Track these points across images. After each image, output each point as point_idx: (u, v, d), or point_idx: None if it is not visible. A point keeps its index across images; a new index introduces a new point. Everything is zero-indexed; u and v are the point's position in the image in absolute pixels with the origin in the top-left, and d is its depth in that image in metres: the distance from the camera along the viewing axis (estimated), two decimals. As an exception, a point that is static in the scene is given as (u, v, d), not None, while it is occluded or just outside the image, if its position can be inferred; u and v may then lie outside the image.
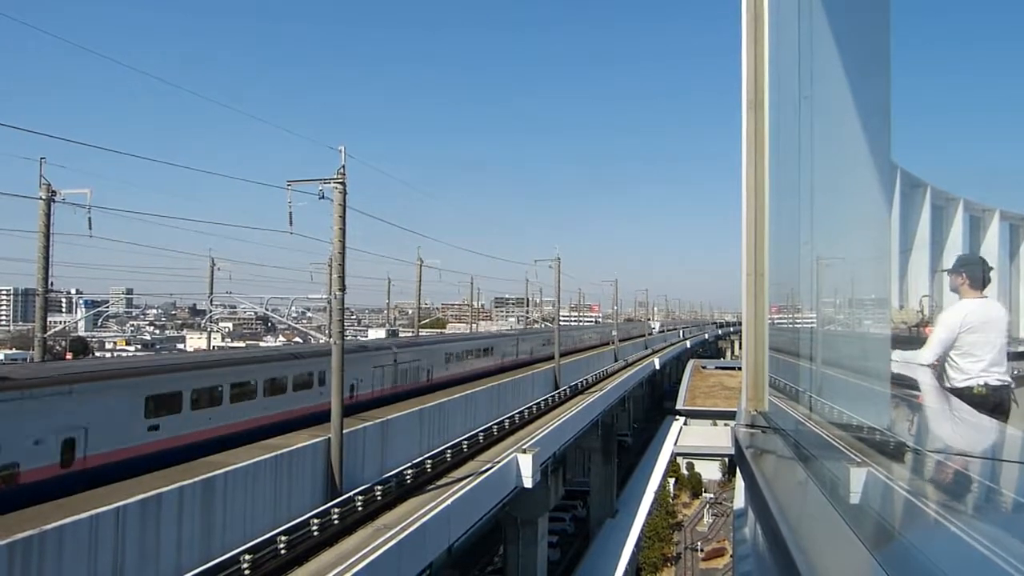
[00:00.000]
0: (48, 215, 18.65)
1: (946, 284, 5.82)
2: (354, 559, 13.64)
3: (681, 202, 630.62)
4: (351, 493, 16.16)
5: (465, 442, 23.14)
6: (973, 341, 5.28)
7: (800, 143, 3.84)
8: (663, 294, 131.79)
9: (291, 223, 17.16)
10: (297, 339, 73.45)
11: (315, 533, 14.33)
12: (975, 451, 3.71)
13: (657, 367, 73.86)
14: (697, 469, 69.62)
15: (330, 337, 17.38)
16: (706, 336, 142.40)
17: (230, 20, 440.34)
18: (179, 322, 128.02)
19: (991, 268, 5.77)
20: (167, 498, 11.88)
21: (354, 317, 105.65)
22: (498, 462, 22.61)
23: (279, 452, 15.05)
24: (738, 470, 6.01)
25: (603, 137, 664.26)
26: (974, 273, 5.50)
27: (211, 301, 33.05)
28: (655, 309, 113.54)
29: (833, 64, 3.22)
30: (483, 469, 21.61)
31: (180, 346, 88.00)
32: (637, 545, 45.88)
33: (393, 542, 14.56)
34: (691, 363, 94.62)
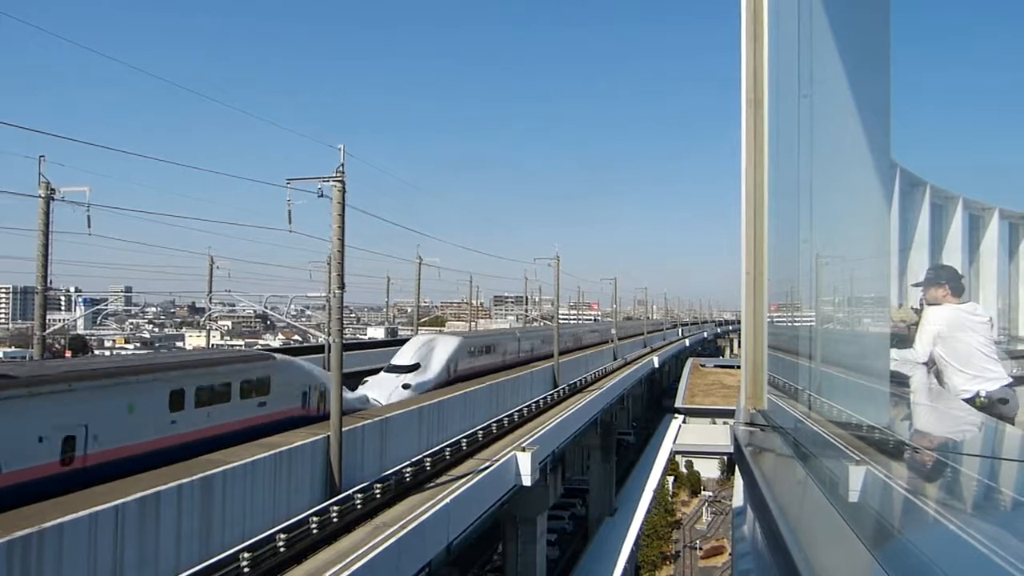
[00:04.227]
0: (47, 213, 18.62)
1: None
2: (353, 557, 13.65)
3: (681, 200, 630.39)
4: (350, 491, 16.16)
5: (464, 440, 23.14)
6: (960, 348, 5.28)
7: (800, 141, 3.84)
8: (663, 292, 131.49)
9: (290, 221, 17.15)
10: (296, 337, 73.47)
11: (314, 531, 14.33)
12: (974, 449, 3.71)
13: (656, 365, 73.95)
14: (696, 467, 69.74)
15: (329, 335, 17.39)
16: (704, 335, 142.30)
17: (228, 19, 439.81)
18: (178, 320, 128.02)
19: (962, 276, 5.85)
20: (166, 496, 11.87)
21: (353, 315, 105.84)
22: (497, 460, 22.61)
23: (278, 450, 15.04)
24: (737, 468, 6.03)
25: (603, 135, 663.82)
26: (951, 283, 5.55)
27: (210, 299, 33.06)
28: (654, 307, 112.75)
29: (833, 62, 3.22)
30: (482, 467, 21.61)
31: (179, 344, 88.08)
32: (636, 543, 45.92)
33: (392, 540, 14.56)
34: (690, 361, 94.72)
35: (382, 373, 27.07)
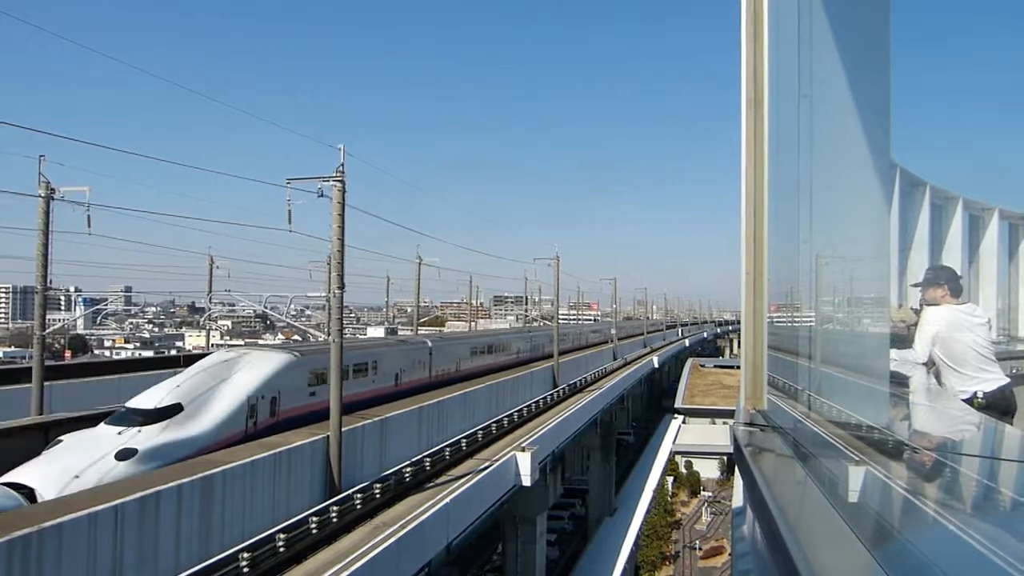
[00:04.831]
0: (47, 213, 18.61)
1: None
2: (353, 557, 13.65)
3: (681, 200, 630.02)
4: (350, 491, 16.17)
5: (464, 440, 23.16)
6: (957, 348, 5.29)
7: (800, 142, 3.84)
8: (663, 292, 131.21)
9: (290, 221, 17.16)
10: (296, 337, 73.45)
11: (314, 531, 14.33)
12: (973, 450, 3.71)
13: (656, 365, 73.98)
14: (696, 467, 69.75)
15: (329, 335, 17.40)
16: (704, 335, 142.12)
17: (227, 18, 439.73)
18: (178, 320, 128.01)
19: (960, 277, 5.85)
20: (166, 496, 11.87)
21: (353, 315, 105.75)
22: (497, 460, 22.61)
23: (278, 450, 15.04)
24: (737, 468, 6.03)
25: (603, 135, 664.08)
26: (949, 283, 5.55)
27: (210, 299, 33.06)
28: (654, 307, 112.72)
29: (833, 62, 3.22)
30: (482, 467, 21.62)
31: (179, 344, 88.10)
32: (636, 543, 45.92)
33: (392, 540, 14.56)
34: (690, 361, 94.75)
35: (102, 426, 15.02)
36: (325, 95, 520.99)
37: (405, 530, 15.28)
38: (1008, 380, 5.33)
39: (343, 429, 16.64)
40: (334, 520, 15.04)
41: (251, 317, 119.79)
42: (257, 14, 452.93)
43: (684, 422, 72.92)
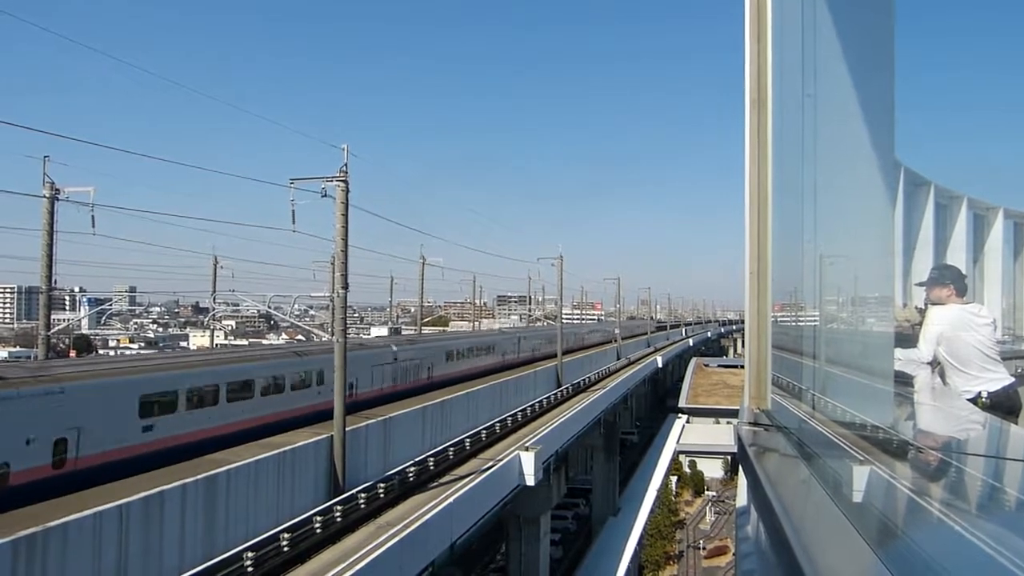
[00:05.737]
0: (52, 213, 18.67)
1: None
2: (356, 556, 13.67)
3: (685, 200, 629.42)
4: (354, 491, 16.19)
5: (468, 440, 23.16)
6: (962, 348, 5.27)
7: (803, 141, 3.83)
8: (667, 292, 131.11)
9: (294, 221, 17.22)
10: (299, 337, 73.54)
11: (318, 531, 14.36)
12: (978, 449, 3.70)
13: (660, 365, 73.90)
14: (700, 467, 69.71)
15: (332, 335, 17.43)
16: (708, 335, 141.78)
17: (226, 16, 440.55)
18: (182, 320, 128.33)
19: (966, 276, 5.84)
20: (170, 496, 11.90)
21: (356, 315, 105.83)
22: (500, 460, 22.62)
23: (282, 450, 15.07)
24: (741, 468, 6.02)
25: (605, 135, 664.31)
26: (955, 283, 5.53)
27: (214, 299, 33.10)
28: (657, 307, 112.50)
29: (837, 62, 3.21)
30: (485, 467, 21.63)
31: (184, 344, 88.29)
32: (639, 543, 45.86)
33: (395, 540, 14.58)
34: (693, 361, 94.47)
35: None
36: (326, 95, 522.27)
37: (409, 530, 15.30)
38: (1013, 380, 5.31)
39: (347, 429, 16.67)
40: (338, 520, 15.06)
41: (255, 317, 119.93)
42: (255, 11, 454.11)
43: (688, 422, 72.60)
